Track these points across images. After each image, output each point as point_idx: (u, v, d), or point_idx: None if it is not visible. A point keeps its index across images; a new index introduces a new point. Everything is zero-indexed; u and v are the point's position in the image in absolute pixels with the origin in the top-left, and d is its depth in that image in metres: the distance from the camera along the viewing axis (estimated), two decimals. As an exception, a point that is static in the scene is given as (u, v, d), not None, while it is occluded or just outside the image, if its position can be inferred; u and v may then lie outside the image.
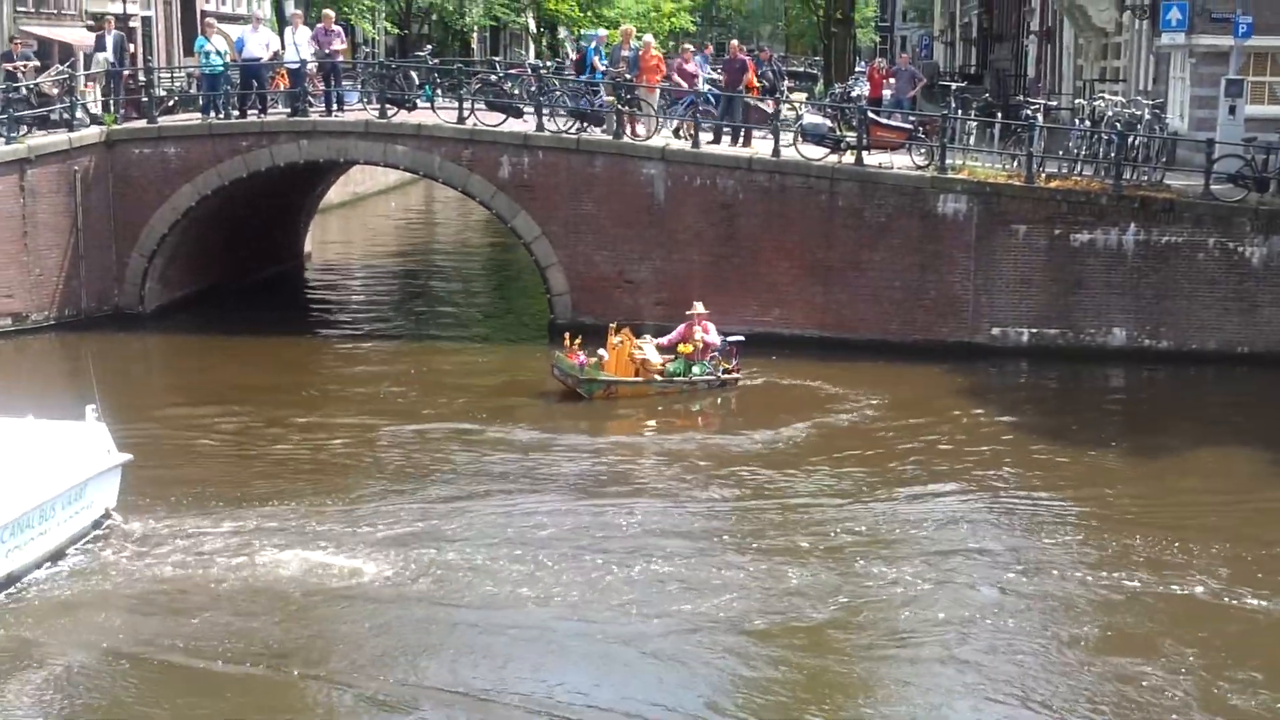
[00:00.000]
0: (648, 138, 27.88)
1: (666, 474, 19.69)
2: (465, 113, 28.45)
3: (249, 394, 23.51)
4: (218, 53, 29.52)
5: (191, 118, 29.81)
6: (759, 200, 26.90)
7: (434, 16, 63.11)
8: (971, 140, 29.14)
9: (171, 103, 31.49)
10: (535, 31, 77.84)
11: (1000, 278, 26.27)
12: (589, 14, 68.81)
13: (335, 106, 29.63)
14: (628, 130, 28.00)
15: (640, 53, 29.12)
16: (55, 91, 29.17)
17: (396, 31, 61.45)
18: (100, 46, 30.60)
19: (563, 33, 77.11)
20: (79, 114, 28.57)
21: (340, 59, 30.41)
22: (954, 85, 39.19)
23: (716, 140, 28.29)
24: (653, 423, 22.48)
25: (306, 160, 29.08)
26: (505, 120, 28.74)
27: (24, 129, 27.54)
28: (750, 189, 26.92)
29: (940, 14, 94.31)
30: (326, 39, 30.04)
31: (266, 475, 19.23)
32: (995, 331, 26.38)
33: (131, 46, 38.06)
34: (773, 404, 23.37)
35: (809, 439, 21.18)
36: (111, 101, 29.71)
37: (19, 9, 41.57)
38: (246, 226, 31.72)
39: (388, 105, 29.03)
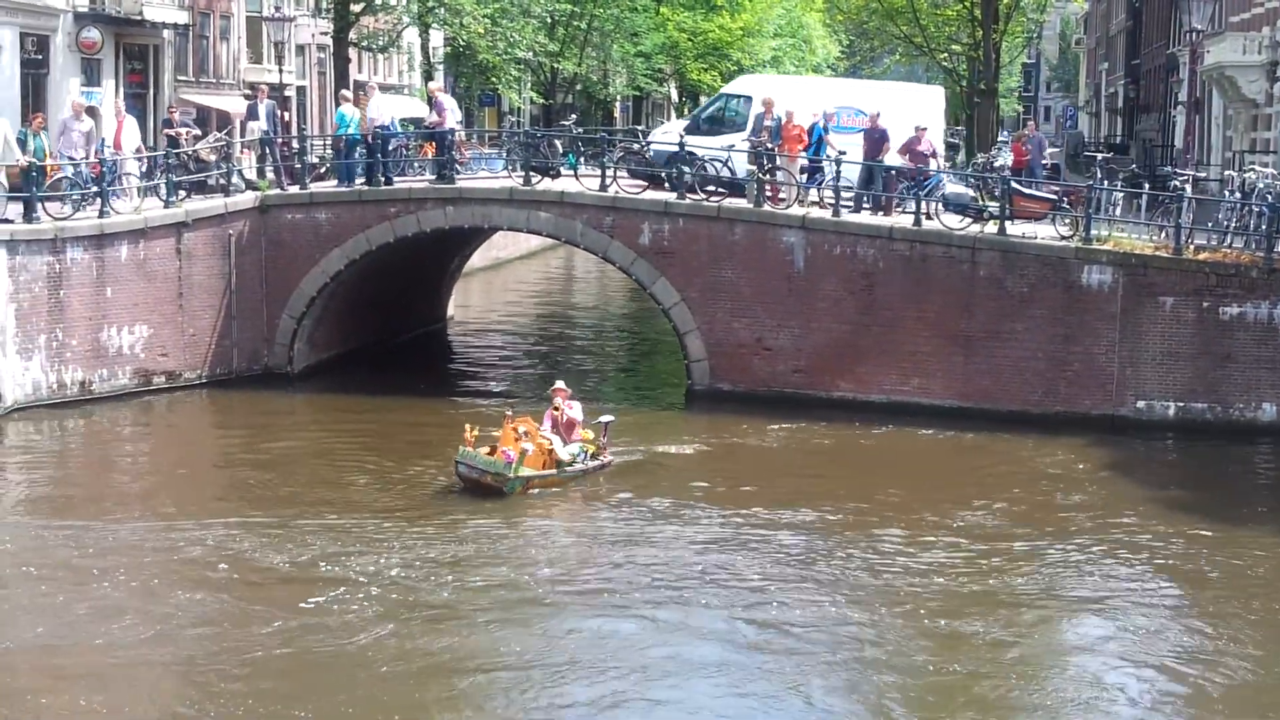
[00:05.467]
0: (788, 206, 27.97)
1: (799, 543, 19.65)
2: (607, 180, 28.82)
3: (368, 449, 24.01)
4: (338, 117, 30.17)
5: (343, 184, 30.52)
6: (899, 269, 26.82)
7: (578, 86, 64.02)
8: (1117, 211, 28.79)
9: (323, 170, 32.31)
10: (677, 101, 78.56)
11: (1146, 350, 25.85)
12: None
13: (441, 174, 29.87)
14: (768, 198, 28.12)
15: (783, 122, 29.25)
16: (212, 158, 30.11)
17: (541, 101, 62.46)
18: (253, 115, 31.54)
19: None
20: (234, 180, 29.43)
21: (444, 128, 30.49)
22: (1100, 155, 38.79)
23: (857, 209, 28.29)
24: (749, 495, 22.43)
25: (452, 226, 29.63)
26: (646, 188, 29.06)
27: (182, 194, 28.44)
28: (891, 258, 26.85)
29: (1085, 84, 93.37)
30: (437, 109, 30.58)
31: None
32: (1140, 404, 25.92)
33: (285, 115, 39.20)
34: (908, 473, 23.25)
35: (949, 511, 20.98)
36: (266, 168, 30.57)
37: (179, 78, 43.10)
38: (392, 290, 32.37)
39: (532, 173, 29.52)
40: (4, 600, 16.73)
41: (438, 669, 15.10)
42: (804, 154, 28.79)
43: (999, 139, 59.80)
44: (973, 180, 30.84)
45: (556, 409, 22.28)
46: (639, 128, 52.25)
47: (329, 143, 33.97)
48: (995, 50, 51.56)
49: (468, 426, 21.41)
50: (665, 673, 15.06)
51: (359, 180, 29.59)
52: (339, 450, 24.20)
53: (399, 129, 32.52)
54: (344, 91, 33.93)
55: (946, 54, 57.54)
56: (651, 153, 30.79)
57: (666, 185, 28.80)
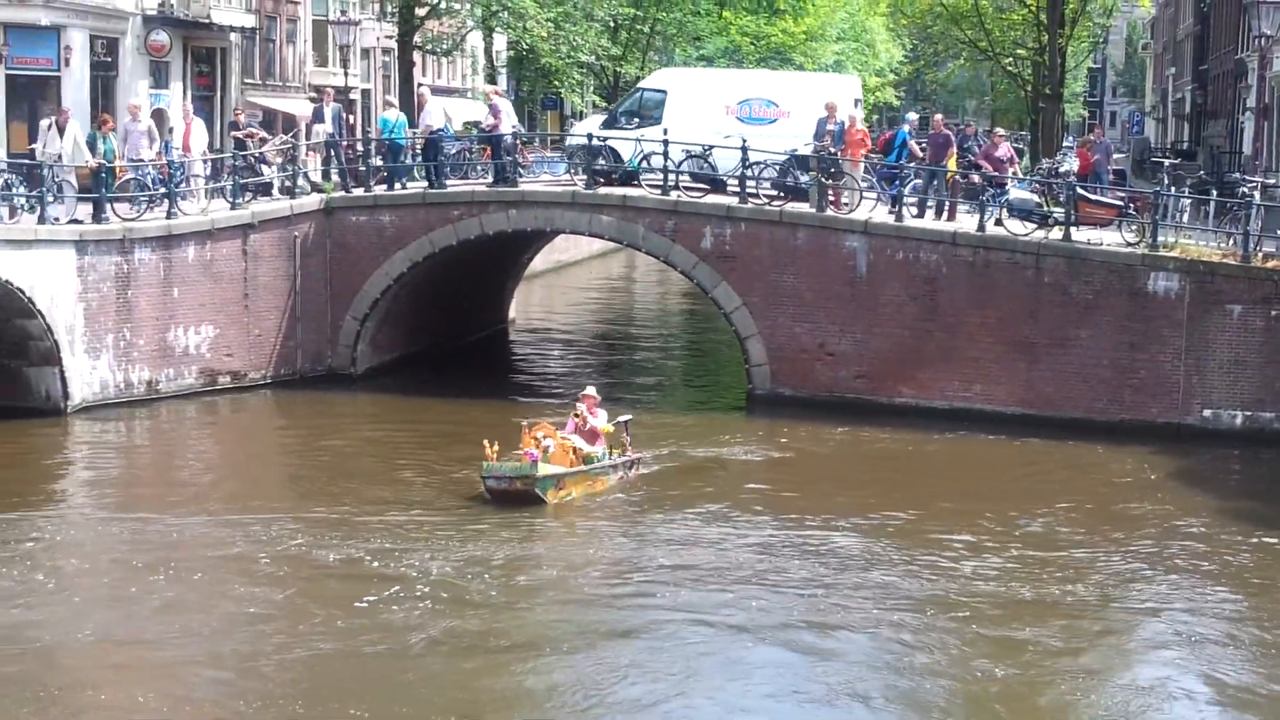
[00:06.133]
0: (850, 211, 27.86)
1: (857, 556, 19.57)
2: (669, 184, 28.82)
3: (427, 450, 24.18)
4: (381, 123, 30.52)
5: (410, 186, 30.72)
6: (963, 275, 26.66)
7: (640, 90, 64.03)
8: (1185, 218, 28.51)
9: (385, 173, 32.46)
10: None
11: (1213, 358, 25.56)
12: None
13: (494, 178, 30.09)
14: (830, 203, 28.01)
15: (845, 126, 29.13)
16: (278, 160, 30.34)
17: (604, 105, 62.55)
18: (319, 118, 31.78)
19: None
20: (300, 182, 29.66)
21: (497, 132, 30.51)
22: (1167, 161, 38.42)
23: (920, 214, 28.14)
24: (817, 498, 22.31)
25: (514, 229, 29.73)
26: (708, 192, 29.02)
27: (248, 195, 28.69)
28: (954, 263, 26.70)
29: (1151, 90, 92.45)
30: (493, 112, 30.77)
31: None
32: (1207, 413, 25.63)
33: (350, 118, 39.50)
34: (970, 480, 23.11)
35: (1011, 518, 20.83)
36: (331, 170, 30.82)
37: (246, 81, 43.54)
38: (454, 292, 32.52)
39: (594, 176, 29.56)
40: (67, 592, 16.99)
41: (490, 670, 15.16)
42: (884, 158, 28.67)
43: (1064, 144, 59.34)
44: (1038, 186, 30.60)
45: (578, 415, 21.78)
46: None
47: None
48: (1061, 55, 51.13)
49: (487, 442, 20.62)
50: (717, 675, 15.04)
51: (415, 184, 29.75)
52: (398, 451, 24.35)
53: (452, 132, 32.72)
54: (387, 97, 34.21)
55: (1011, 59, 57.14)
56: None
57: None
